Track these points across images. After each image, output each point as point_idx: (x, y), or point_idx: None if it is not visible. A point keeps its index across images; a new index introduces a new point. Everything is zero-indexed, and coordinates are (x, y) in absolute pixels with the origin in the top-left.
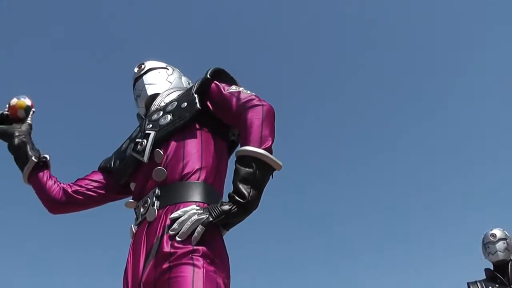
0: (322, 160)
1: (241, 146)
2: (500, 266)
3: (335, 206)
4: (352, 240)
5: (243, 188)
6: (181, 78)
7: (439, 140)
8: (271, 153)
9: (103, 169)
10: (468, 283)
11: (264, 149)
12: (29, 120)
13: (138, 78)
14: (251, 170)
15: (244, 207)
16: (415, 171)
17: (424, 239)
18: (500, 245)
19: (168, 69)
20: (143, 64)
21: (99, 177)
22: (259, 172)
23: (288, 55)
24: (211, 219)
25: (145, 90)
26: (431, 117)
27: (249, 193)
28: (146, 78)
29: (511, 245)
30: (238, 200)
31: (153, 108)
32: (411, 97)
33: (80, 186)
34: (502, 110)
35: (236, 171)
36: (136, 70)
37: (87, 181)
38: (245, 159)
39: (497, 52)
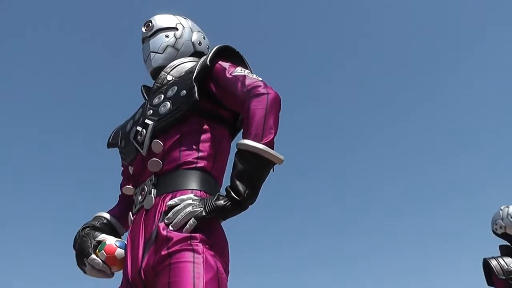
0: (322, 159)
1: (243, 138)
2: None
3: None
4: (353, 241)
5: (239, 185)
6: (191, 39)
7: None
8: (272, 146)
9: (112, 146)
10: (484, 259)
11: (265, 143)
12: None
13: (145, 39)
14: (249, 166)
15: (239, 204)
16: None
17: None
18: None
19: (177, 29)
20: (151, 22)
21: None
22: (258, 167)
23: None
24: (204, 213)
25: (150, 60)
26: (430, 114)
27: (244, 191)
28: (153, 44)
29: None
30: (233, 197)
31: (155, 86)
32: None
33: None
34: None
35: (235, 166)
36: (144, 29)
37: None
38: (245, 154)
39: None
